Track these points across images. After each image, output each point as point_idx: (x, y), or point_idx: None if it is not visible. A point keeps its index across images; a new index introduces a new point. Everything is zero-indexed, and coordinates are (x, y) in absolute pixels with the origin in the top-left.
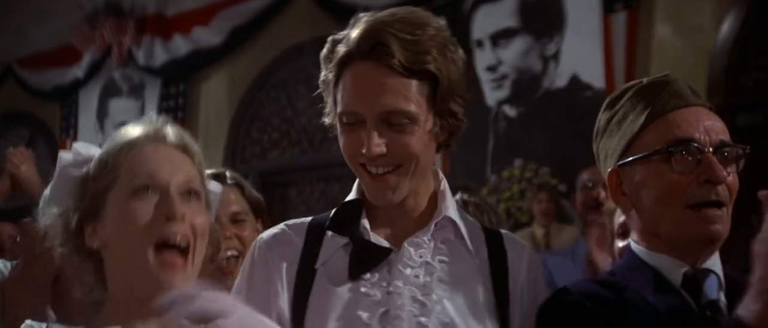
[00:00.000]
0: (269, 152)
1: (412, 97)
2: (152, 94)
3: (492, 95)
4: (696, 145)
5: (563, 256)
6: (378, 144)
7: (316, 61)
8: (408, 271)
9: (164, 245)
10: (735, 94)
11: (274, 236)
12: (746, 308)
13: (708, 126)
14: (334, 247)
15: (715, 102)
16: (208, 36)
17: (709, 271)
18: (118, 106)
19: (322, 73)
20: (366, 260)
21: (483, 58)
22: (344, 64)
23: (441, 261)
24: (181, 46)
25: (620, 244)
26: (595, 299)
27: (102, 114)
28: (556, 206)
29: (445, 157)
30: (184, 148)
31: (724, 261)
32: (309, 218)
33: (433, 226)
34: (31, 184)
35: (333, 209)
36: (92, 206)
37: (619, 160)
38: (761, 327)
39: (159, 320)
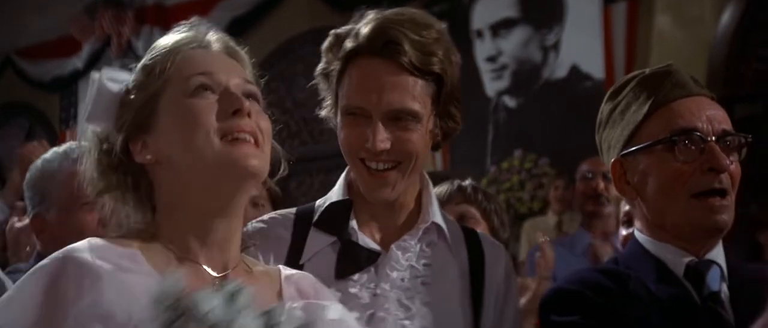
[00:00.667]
0: None
1: (418, 96)
2: None
3: (492, 86)
4: (699, 134)
5: (562, 246)
6: (383, 139)
7: (316, 53)
8: (394, 274)
9: (234, 139)
10: (734, 85)
11: (261, 230)
12: None
13: (710, 115)
14: (320, 244)
15: (714, 93)
16: None
17: (712, 262)
18: None
19: (322, 65)
20: (354, 261)
21: (483, 49)
22: (351, 58)
23: (425, 265)
24: None
25: (624, 232)
26: (596, 289)
27: None
28: (572, 194)
29: (445, 147)
30: (233, 55)
31: (724, 250)
32: (293, 210)
33: (420, 231)
34: None
35: (317, 200)
36: (139, 118)
37: (622, 150)
38: None
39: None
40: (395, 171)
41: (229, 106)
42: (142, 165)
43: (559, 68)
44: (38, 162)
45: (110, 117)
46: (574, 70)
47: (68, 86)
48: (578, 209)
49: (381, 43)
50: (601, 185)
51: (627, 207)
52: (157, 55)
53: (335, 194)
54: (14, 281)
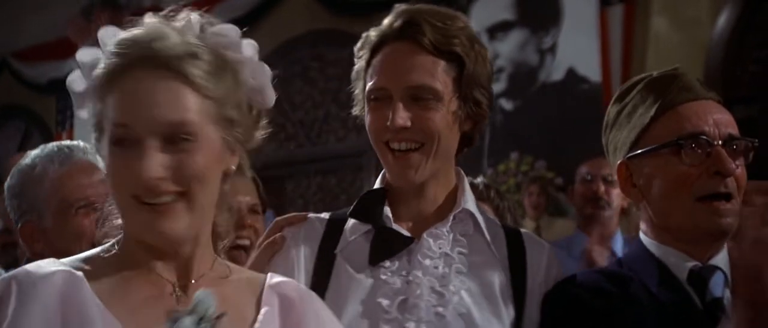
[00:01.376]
0: (266, 145)
1: (438, 75)
2: None
3: None
4: (705, 138)
5: (560, 248)
6: (403, 116)
7: (313, 54)
8: (427, 261)
9: (151, 204)
10: (731, 87)
11: (299, 228)
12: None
13: (717, 119)
14: (355, 234)
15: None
16: None
17: (716, 268)
18: None
19: (356, 65)
20: (387, 246)
21: None
22: (377, 47)
23: (460, 253)
24: None
25: None
26: (596, 292)
27: None
28: (547, 199)
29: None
30: (177, 70)
31: None
32: (329, 213)
33: (451, 218)
34: None
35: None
36: (98, 130)
37: (628, 153)
38: None
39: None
40: (418, 153)
41: (136, 171)
42: None
43: (555, 71)
44: (18, 167)
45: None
46: (571, 73)
47: (65, 89)
48: (577, 211)
49: (402, 27)
50: (602, 187)
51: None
52: (106, 67)
53: (374, 184)
54: None
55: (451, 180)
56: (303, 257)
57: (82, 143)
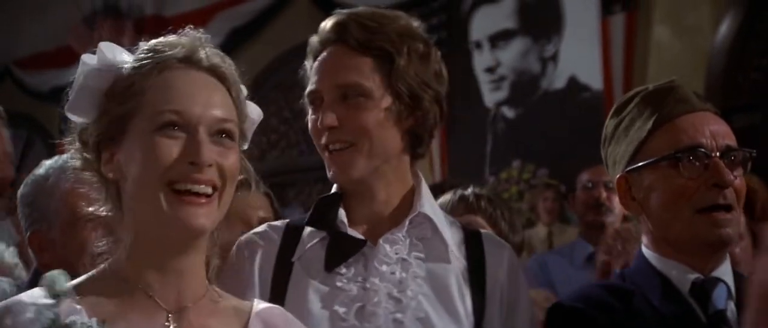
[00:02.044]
0: (268, 154)
1: (366, 73)
2: None
3: (490, 97)
4: (703, 150)
5: (561, 256)
6: (330, 117)
7: None
8: (384, 267)
9: (187, 192)
10: (732, 96)
11: (253, 235)
12: None
13: (714, 131)
14: (312, 240)
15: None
16: None
17: (719, 280)
18: None
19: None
20: (341, 251)
21: (481, 60)
22: (317, 54)
23: (417, 257)
24: None
25: None
26: (599, 306)
27: None
28: (560, 205)
29: (443, 158)
30: (220, 76)
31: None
32: (282, 224)
33: (407, 222)
34: None
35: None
36: (113, 130)
37: (627, 166)
38: None
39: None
40: (349, 151)
41: (187, 155)
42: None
43: (557, 79)
44: (32, 177)
45: (90, 114)
46: (573, 81)
47: (67, 97)
48: (579, 219)
49: (332, 29)
50: (604, 194)
51: None
52: (141, 67)
53: (328, 193)
54: None
55: (405, 182)
56: (258, 269)
57: None
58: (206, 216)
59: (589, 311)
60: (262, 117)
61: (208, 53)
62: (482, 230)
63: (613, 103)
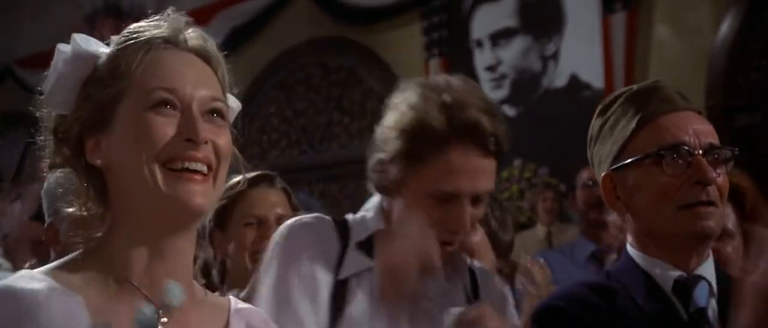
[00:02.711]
0: (268, 153)
1: (494, 175)
2: None
3: (491, 95)
4: (686, 148)
5: (562, 254)
6: (470, 219)
7: (315, 62)
8: (427, 304)
9: (183, 170)
10: (733, 95)
11: (317, 232)
12: None
13: (697, 129)
14: (359, 265)
15: (713, 102)
16: None
17: (701, 277)
18: None
19: (403, 136)
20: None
21: (482, 58)
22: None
23: (452, 296)
24: None
25: None
26: (583, 305)
27: None
28: (560, 205)
29: None
30: (205, 57)
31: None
32: (331, 221)
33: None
34: None
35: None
36: (97, 116)
37: (612, 165)
38: None
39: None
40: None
41: (183, 132)
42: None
43: (558, 78)
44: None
45: (69, 105)
46: (574, 80)
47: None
48: (580, 217)
49: (472, 128)
50: None
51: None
52: (125, 49)
53: (373, 221)
54: None
55: None
56: (324, 273)
57: None
58: (203, 195)
59: (573, 310)
60: (240, 108)
61: (192, 34)
62: (476, 268)
63: None
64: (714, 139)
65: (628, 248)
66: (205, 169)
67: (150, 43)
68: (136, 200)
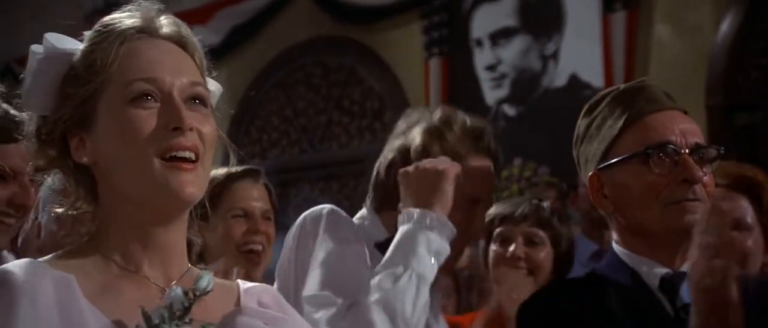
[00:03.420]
0: (268, 152)
1: None
2: None
3: (491, 94)
4: (672, 147)
5: None
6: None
7: (316, 61)
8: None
9: (172, 158)
10: (733, 94)
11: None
12: None
13: (683, 129)
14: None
15: (713, 102)
16: (207, 35)
17: (686, 274)
18: None
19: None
20: None
21: (482, 58)
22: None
23: None
24: None
25: None
26: (571, 302)
27: None
28: (562, 204)
29: None
30: (181, 43)
31: None
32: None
33: None
34: None
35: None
36: (80, 114)
37: (599, 164)
38: None
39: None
40: None
41: (169, 122)
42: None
43: (558, 77)
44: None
45: (48, 105)
46: (574, 79)
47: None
48: (582, 216)
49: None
50: None
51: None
52: (100, 43)
53: (379, 227)
54: None
55: None
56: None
57: None
58: (194, 183)
59: (559, 307)
60: (221, 91)
61: (165, 21)
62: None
63: None
64: (700, 138)
65: (614, 245)
66: (193, 156)
67: (124, 35)
68: (127, 194)
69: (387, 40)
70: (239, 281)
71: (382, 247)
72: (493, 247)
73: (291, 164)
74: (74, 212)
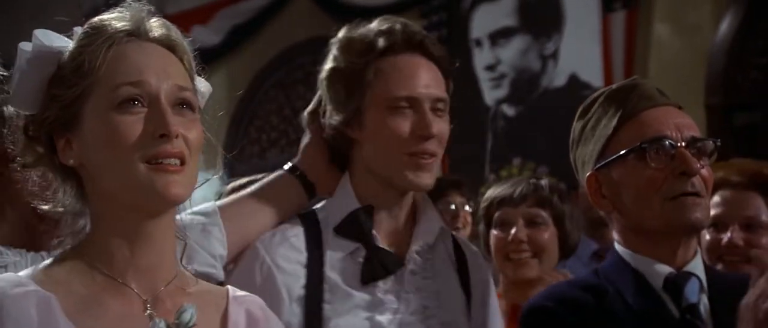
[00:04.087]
0: (268, 151)
1: (444, 88)
2: None
3: (490, 94)
4: (668, 141)
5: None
6: (438, 125)
7: (315, 60)
8: (416, 278)
9: (158, 163)
10: (733, 94)
11: (279, 243)
12: None
13: (678, 123)
14: (340, 250)
15: (713, 101)
16: (207, 35)
17: (691, 274)
18: None
19: (339, 65)
20: (382, 266)
21: (481, 58)
22: (382, 55)
23: (436, 267)
24: None
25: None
26: (571, 305)
27: None
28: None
29: (443, 156)
30: (170, 47)
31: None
32: (298, 220)
33: (434, 234)
34: None
35: (316, 203)
36: (66, 116)
37: (595, 164)
38: None
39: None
40: (435, 159)
41: (156, 128)
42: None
43: (557, 77)
44: None
45: (36, 104)
46: (573, 79)
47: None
48: (584, 215)
49: (417, 41)
50: None
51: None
52: (88, 45)
53: (347, 203)
54: None
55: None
56: (292, 284)
57: None
58: (180, 184)
59: (561, 310)
60: (211, 91)
61: (155, 24)
62: (454, 233)
63: None
64: (695, 132)
65: (616, 246)
66: (178, 163)
67: (112, 38)
68: (114, 196)
69: None
70: (229, 287)
71: (342, 228)
72: (494, 232)
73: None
74: (61, 209)
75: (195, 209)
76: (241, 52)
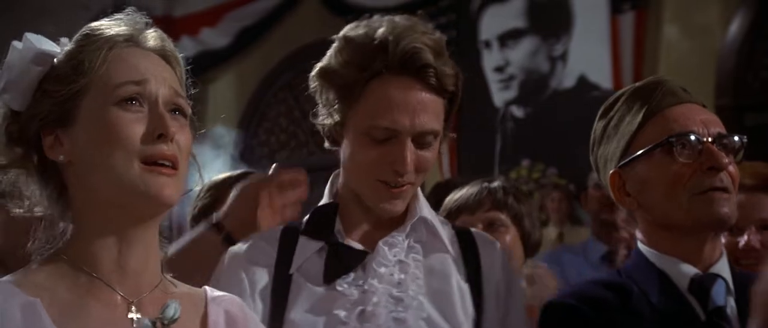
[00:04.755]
0: (277, 154)
1: (440, 116)
2: None
3: (499, 96)
4: (695, 136)
5: (576, 254)
6: (413, 160)
7: None
8: (382, 269)
9: (153, 163)
10: (743, 95)
11: (246, 249)
12: None
13: (704, 119)
14: (308, 251)
15: (722, 102)
16: (215, 37)
17: (717, 276)
18: None
19: (331, 68)
20: (342, 264)
21: (491, 59)
22: (377, 75)
23: (415, 259)
24: (188, 47)
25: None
26: (595, 304)
27: None
28: (569, 206)
29: (452, 157)
30: (165, 57)
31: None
32: (281, 226)
33: (408, 227)
34: None
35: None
36: (59, 111)
37: (619, 162)
38: None
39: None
40: (410, 186)
41: (155, 129)
42: (54, 161)
43: (566, 78)
44: None
45: (26, 100)
46: (582, 81)
47: None
48: (592, 217)
49: (415, 67)
50: None
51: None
52: (88, 45)
53: (323, 200)
54: None
55: None
56: (257, 281)
57: None
58: (172, 187)
59: (584, 309)
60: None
61: (151, 34)
62: (472, 229)
63: None
64: (721, 128)
65: (639, 245)
66: (171, 166)
67: (112, 41)
68: (103, 195)
69: None
70: (207, 287)
71: (308, 229)
72: None
73: (299, 166)
74: (38, 213)
75: None
76: (249, 55)
